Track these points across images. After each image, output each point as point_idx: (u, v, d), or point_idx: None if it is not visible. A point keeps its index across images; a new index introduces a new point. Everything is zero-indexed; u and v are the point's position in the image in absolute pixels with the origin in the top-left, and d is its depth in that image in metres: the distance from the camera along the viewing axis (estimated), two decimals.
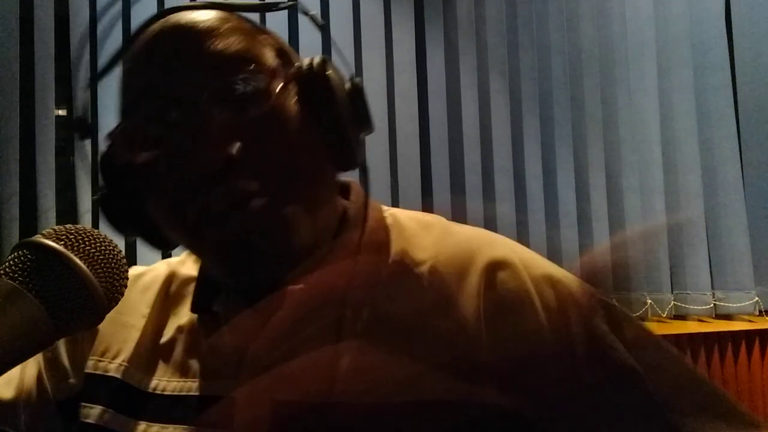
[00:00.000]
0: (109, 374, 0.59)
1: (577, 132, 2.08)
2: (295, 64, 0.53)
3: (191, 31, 0.49)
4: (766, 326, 1.99)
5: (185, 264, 0.65)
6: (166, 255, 1.83)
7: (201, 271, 0.60)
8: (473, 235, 0.57)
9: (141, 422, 0.55)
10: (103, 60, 0.55)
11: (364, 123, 0.54)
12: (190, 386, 0.55)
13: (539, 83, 2.07)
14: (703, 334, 1.97)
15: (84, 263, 0.42)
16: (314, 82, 0.51)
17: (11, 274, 0.40)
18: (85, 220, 1.75)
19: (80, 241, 0.43)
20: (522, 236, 2.01)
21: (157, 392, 0.56)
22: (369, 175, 0.56)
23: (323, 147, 0.52)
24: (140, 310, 0.62)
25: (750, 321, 2.03)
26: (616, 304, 0.53)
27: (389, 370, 0.50)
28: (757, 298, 2.03)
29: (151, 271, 0.67)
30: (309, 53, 0.55)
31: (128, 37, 0.52)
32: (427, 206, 1.98)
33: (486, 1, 2.06)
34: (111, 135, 0.52)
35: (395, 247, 0.56)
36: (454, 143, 2.02)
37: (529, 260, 0.53)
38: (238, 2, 0.53)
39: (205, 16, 0.51)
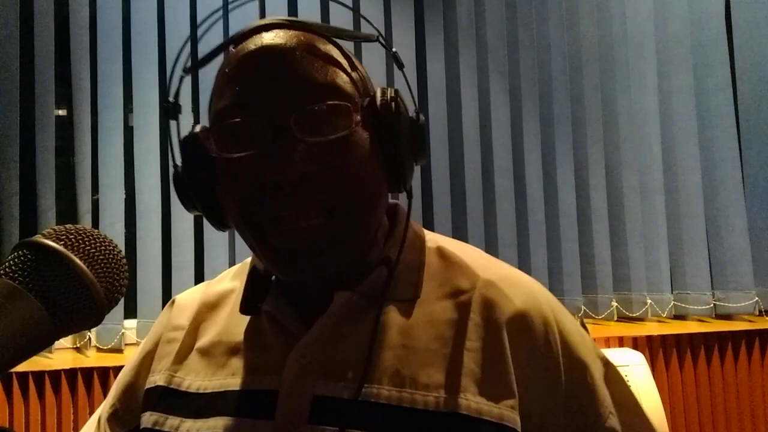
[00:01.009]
0: (155, 384, 0.65)
1: (577, 132, 2.08)
2: (371, 94, 0.60)
3: (295, 56, 0.56)
4: (766, 326, 1.99)
5: (222, 281, 0.73)
6: (166, 253, 1.81)
7: (249, 277, 0.65)
8: (510, 277, 0.63)
9: (187, 419, 0.60)
10: (201, 52, 0.63)
11: (421, 155, 0.62)
12: (230, 382, 0.60)
13: (539, 83, 2.07)
14: (703, 334, 1.97)
15: (84, 263, 0.42)
16: (385, 115, 0.58)
17: (11, 274, 0.40)
18: (85, 220, 1.76)
19: (80, 241, 0.43)
20: (522, 236, 2.01)
21: (200, 391, 0.61)
22: (413, 199, 0.63)
23: (383, 171, 0.59)
24: (181, 325, 0.69)
25: (750, 321, 2.04)
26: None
27: (417, 367, 0.56)
28: (757, 298, 2.03)
29: (190, 293, 0.74)
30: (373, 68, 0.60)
31: (228, 39, 0.60)
32: (427, 206, 1.98)
33: (486, 1, 2.06)
34: (207, 129, 0.59)
35: (434, 268, 0.63)
36: (454, 143, 2.02)
37: (556, 311, 0.61)
38: (330, 27, 0.61)
39: (305, 42, 0.57)
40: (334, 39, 0.61)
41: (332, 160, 0.54)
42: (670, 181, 2.09)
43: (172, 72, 0.63)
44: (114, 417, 0.69)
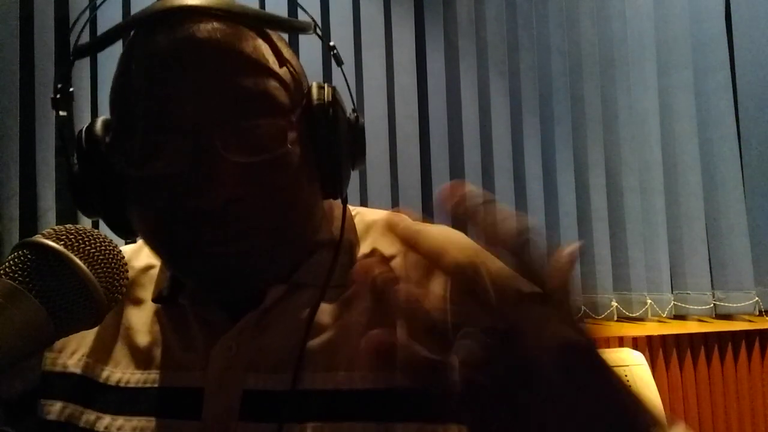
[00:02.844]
0: (68, 370, 0.58)
1: (577, 132, 2.08)
2: (305, 92, 0.53)
3: (220, 56, 0.47)
4: (766, 326, 1.99)
5: (141, 252, 0.65)
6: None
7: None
8: (439, 233, 0.59)
9: (105, 415, 0.55)
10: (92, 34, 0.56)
11: (359, 160, 0.57)
12: (154, 378, 0.55)
13: (539, 83, 2.07)
14: (703, 334, 1.97)
15: (84, 263, 0.42)
16: (321, 122, 0.52)
17: (11, 274, 0.40)
18: (85, 221, 1.75)
19: (80, 241, 0.43)
20: None
21: (121, 385, 0.56)
22: (347, 204, 0.59)
23: (318, 181, 0.54)
24: None
25: (750, 321, 2.03)
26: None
27: (354, 358, 0.52)
28: (757, 298, 2.03)
29: None
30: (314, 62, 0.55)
31: (128, 21, 0.50)
32: (427, 206, 1.98)
33: (486, 1, 2.06)
34: (113, 140, 0.51)
35: (364, 246, 0.59)
36: (454, 143, 2.02)
37: (491, 262, 0.58)
38: (261, 14, 0.52)
39: (232, 37, 0.48)
40: (265, 29, 0.53)
41: (263, 182, 0.48)
42: (670, 181, 2.08)
43: (66, 55, 0.53)
44: None
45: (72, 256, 0.42)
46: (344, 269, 0.57)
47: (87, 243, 0.43)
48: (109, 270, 0.44)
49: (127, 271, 0.47)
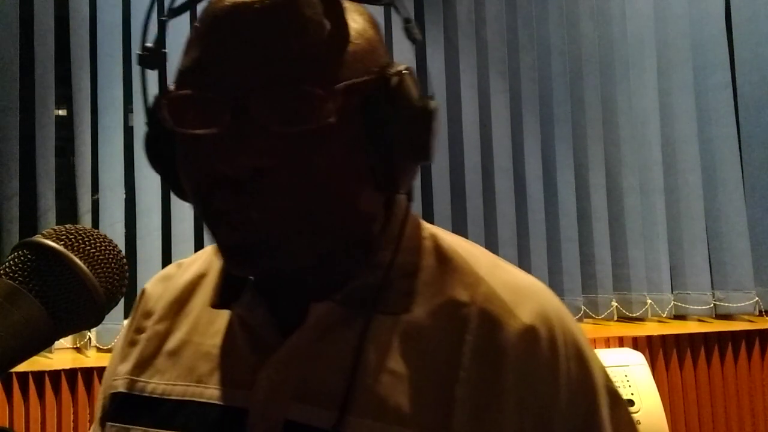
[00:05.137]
0: (116, 391, 0.58)
1: (577, 132, 2.08)
2: (372, 71, 0.48)
3: (274, 18, 0.45)
4: (766, 326, 1.99)
5: (193, 264, 0.64)
6: (166, 253, 1.80)
7: (224, 267, 0.57)
8: (518, 285, 0.54)
9: (150, 430, 0.53)
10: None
11: (424, 153, 0.49)
12: (194, 391, 0.53)
13: (539, 83, 2.07)
14: (703, 334, 1.97)
15: (84, 263, 0.42)
16: (380, 105, 0.46)
17: (11, 274, 0.40)
18: (85, 220, 1.76)
19: (80, 241, 0.43)
20: (522, 236, 2.01)
21: (165, 396, 0.55)
22: (412, 200, 0.54)
23: (369, 169, 0.47)
24: (149, 323, 0.61)
25: (750, 321, 2.04)
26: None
27: (404, 398, 0.48)
28: (757, 298, 2.03)
29: (158, 281, 0.65)
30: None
31: None
32: (427, 206, 1.98)
33: (486, 1, 2.06)
34: (160, 97, 0.50)
35: (429, 274, 0.53)
36: (454, 143, 2.02)
37: (568, 326, 0.53)
38: None
39: (280, 5, 0.45)
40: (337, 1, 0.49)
41: (296, 156, 0.44)
42: (670, 181, 2.09)
43: (148, 13, 0.52)
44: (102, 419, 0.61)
45: (72, 256, 0.42)
46: (402, 295, 0.51)
47: (87, 243, 0.43)
48: (109, 270, 0.44)
49: (127, 271, 0.46)
